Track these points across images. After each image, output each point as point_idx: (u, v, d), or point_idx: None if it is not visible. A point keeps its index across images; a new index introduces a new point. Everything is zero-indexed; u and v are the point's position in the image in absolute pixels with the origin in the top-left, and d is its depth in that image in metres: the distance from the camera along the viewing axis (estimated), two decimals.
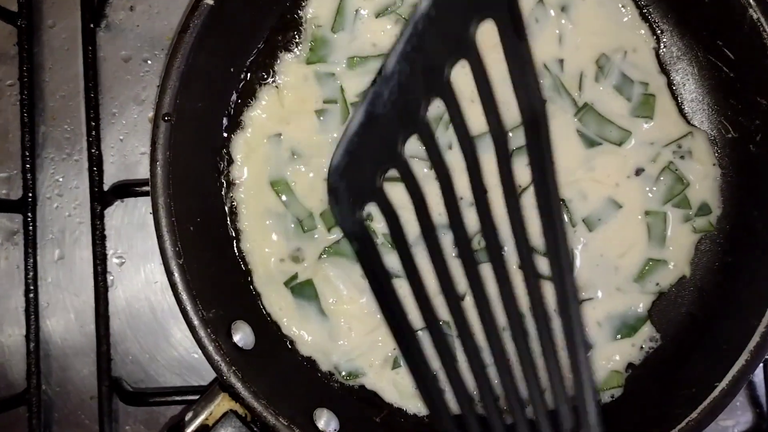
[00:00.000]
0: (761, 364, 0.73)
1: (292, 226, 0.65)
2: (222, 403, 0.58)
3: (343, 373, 0.66)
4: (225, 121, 0.65)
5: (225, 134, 0.65)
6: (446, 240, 0.49)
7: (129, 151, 0.71)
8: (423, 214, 0.52)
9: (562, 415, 0.49)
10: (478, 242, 0.56)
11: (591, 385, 0.48)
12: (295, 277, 0.65)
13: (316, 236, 0.65)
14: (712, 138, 0.67)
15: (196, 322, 0.56)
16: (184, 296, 0.56)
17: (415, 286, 0.50)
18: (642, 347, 0.67)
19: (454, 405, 0.50)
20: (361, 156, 0.55)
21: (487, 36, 0.45)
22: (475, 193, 0.51)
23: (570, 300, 0.49)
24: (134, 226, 0.71)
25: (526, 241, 0.50)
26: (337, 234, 0.65)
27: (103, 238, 0.69)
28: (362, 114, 0.55)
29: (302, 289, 0.65)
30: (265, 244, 0.65)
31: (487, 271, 0.50)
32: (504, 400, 0.51)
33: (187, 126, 0.57)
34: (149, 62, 0.71)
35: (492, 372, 0.50)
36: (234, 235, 0.66)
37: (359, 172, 0.55)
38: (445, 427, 0.50)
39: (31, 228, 0.69)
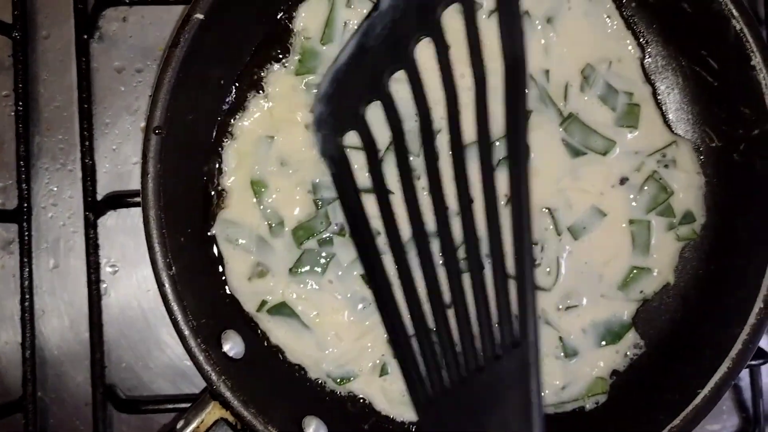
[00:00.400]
0: (747, 370, 0.74)
1: (254, 240, 0.65)
2: (213, 412, 0.59)
3: (334, 379, 0.67)
4: (215, 132, 0.66)
5: (216, 145, 0.66)
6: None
7: (122, 161, 0.72)
8: (401, 148, 0.58)
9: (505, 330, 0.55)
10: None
11: (533, 302, 0.54)
12: (264, 303, 0.65)
13: (279, 250, 0.66)
14: (697, 147, 0.68)
15: (186, 332, 0.57)
16: (175, 307, 0.57)
17: (385, 213, 0.58)
18: (626, 354, 0.68)
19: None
20: (349, 85, 0.59)
21: None
22: (451, 128, 0.58)
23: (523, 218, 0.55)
24: (127, 234, 0.72)
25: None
26: (303, 249, 0.66)
27: (97, 247, 0.70)
28: (354, 45, 0.58)
29: (278, 310, 0.66)
30: (235, 263, 0.66)
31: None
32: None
33: (178, 138, 0.58)
34: (142, 72, 0.72)
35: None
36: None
37: (345, 100, 0.60)
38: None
39: (26, 237, 0.70)
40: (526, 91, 0.54)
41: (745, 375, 0.77)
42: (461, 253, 0.59)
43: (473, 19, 0.57)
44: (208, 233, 0.65)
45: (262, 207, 0.65)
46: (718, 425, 0.78)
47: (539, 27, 0.66)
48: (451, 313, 0.59)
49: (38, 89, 0.72)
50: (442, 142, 0.63)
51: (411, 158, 0.61)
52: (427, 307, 0.60)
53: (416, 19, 0.57)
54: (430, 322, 0.60)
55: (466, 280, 0.58)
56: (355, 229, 0.61)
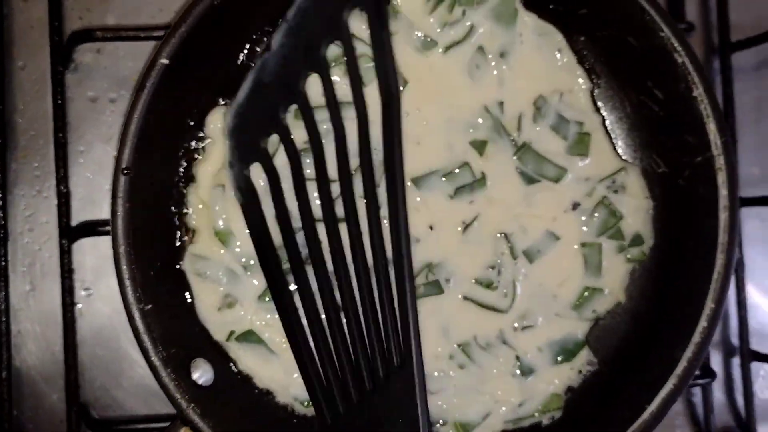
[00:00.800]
0: (699, 387, 0.78)
1: (220, 274, 0.68)
2: None
3: (301, 402, 0.69)
4: (182, 169, 0.68)
5: (182, 183, 0.68)
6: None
7: (96, 188, 0.74)
8: (298, 175, 0.64)
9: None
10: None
11: (414, 321, 0.60)
12: (232, 333, 0.68)
13: (248, 281, 0.68)
14: (645, 173, 0.72)
15: (156, 362, 0.60)
16: (145, 338, 0.60)
17: (287, 236, 0.63)
18: (580, 371, 0.71)
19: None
20: (249, 119, 0.63)
21: None
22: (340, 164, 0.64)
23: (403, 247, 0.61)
24: (101, 258, 0.74)
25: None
26: None
27: (71, 271, 0.72)
28: (250, 81, 0.64)
29: (246, 338, 0.68)
30: (204, 295, 0.68)
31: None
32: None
33: (146, 178, 0.61)
34: (115, 102, 0.75)
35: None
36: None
37: (246, 134, 0.64)
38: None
39: (2, 261, 0.72)
40: (401, 124, 0.62)
41: (698, 392, 0.80)
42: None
43: (353, 57, 0.61)
44: (178, 267, 0.68)
45: (229, 249, 0.68)
46: None
47: (493, 62, 0.69)
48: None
49: (15, 118, 0.74)
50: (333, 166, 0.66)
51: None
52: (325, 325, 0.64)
53: (304, 57, 0.62)
54: (330, 343, 0.64)
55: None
56: (262, 253, 0.64)
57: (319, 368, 0.63)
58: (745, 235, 0.81)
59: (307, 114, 0.61)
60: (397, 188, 0.59)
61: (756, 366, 0.82)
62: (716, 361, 0.82)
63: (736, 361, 0.82)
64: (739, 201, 0.76)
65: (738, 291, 0.80)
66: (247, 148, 0.64)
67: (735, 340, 0.82)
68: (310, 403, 0.68)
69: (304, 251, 0.65)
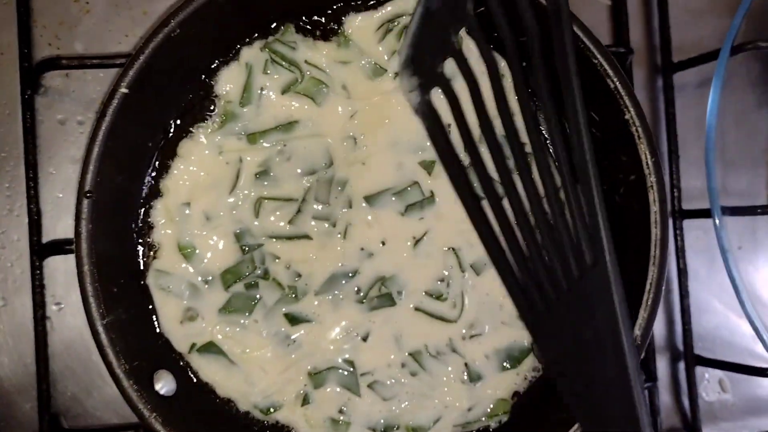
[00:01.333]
0: (647, 391, 0.81)
1: (183, 288, 0.71)
2: None
3: (261, 410, 0.72)
4: (145, 189, 0.72)
5: (145, 202, 0.72)
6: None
7: (66, 207, 0.77)
8: (476, 95, 0.62)
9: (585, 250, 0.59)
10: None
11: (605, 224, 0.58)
12: (193, 345, 0.71)
13: (209, 295, 0.72)
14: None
15: (119, 374, 0.63)
16: (109, 352, 0.63)
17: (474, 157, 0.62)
18: (526, 377, 0.75)
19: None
20: (424, 47, 0.65)
21: None
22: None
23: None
24: (71, 274, 0.75)
25: None
26: (231, 292, 0.72)
27: (42, 286, 0.75)
28: (420, 11, 0.64)
29: (206, 349, 0.71)
30: (167, 308, 0.72)
31: None
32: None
33: (109, 198, 0.64)
34: (83, 124, 0.78)
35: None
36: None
37: (423, 61, 0.65)
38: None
39: None
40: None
41: (646, 394, 0.83)
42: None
43: None
44: (141, 282, 0.71)
45: (192, 264, 0.71)
46: None
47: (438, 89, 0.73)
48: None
49: None
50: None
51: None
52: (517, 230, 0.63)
53: None
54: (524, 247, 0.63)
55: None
56: (453, 173, 0.65)
57: (517, 272, 0.62)
58: (689, 246, 0.85)
59: (478, 37, 0.61)
60: (575, 96, 0.58)
61: (700, 370, 0.86)
62: (662, 366, 0.86)
63: (681, 366, 0.86)
64: (682, 213, 0.82)
65: (681, 298, 0.84)
66: (425, 74, 0.65)
67: (681, 345, 0.85)
68: (273, 410, 0.72)
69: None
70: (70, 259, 0.74)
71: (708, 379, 0.88)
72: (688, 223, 0.85)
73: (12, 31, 0.76)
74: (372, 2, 0.74)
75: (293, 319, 0.72)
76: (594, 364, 0.58)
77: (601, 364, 0.58)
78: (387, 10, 0.73)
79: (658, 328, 0.86)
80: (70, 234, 0.74)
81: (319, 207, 0.72)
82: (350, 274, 0.72)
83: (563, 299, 0.60)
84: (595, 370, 0.58)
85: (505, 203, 0.62)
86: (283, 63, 0.71)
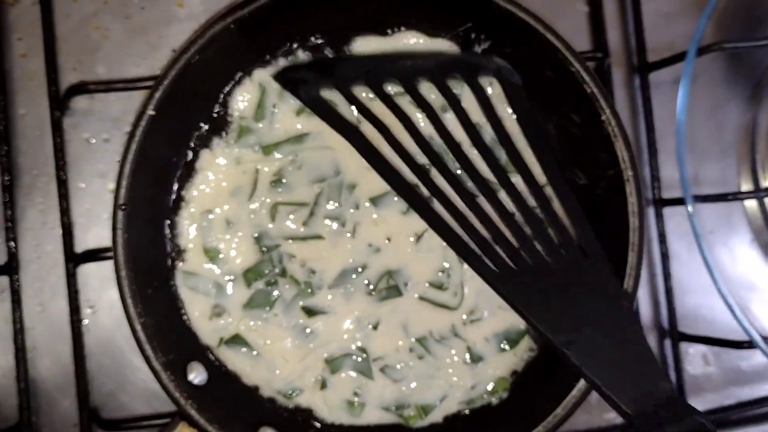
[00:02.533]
0: None
1: (210, 287, 0.77)
2: (182, 430, 0.70)
3: (283, 394, 0.79)
4: (172, 199, 0.78)
5: (173, 210, 0.78)
6: None
7: (95, 217, 0.83)
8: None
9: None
10: None
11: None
12: (221, 339, 0.78)
13: (233, 292, 0.78)
14: (568, 184, 0.82)
15: (157, 367, 0.69)
16: (147, 348, 0.69)
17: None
18: (522, 357, 0.81)
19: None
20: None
21: None
22: None
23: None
24: (103, 279, 0.82)
25: None
26: (253, 289, 0.79)
27: (77, 292, 0.81)
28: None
29: (233, 342, 0.78)
30: (195, 306, 0.78)
31: None
32: None
33: (141, 209, 0.70)
34: (109, 142, 0.84)
35: None
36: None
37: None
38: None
39: (16, 286, 0.80)
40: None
41: None
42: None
43: None
44: (172, 284, 0.78)
45: (217, 264, 0.78)
46: (614, 414, 0.90)
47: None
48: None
49: (19, 160, 0.83)
50: None
51: None
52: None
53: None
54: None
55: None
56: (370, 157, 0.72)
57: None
58: (670, 231, 0.91)
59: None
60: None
61: (685, 346, 0.93)
62: (650, 343, 0.90)
63: (668, 343, 0.92)
64: (662, 202, 0.88)
65: (665, 280, 0.90)
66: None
67: (666, 324, 0.92)
68: (295, 395, 0.79)
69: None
70: (102, 265, 0.82)
71: (692, 354, 0.94)
72: (668, 210, 0.90)
73: (39, 59, 0.82)
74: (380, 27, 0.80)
75: (310, 312, 0.78)
76: (603, 329, 0.64)
77: (613, 328, 0.64)
78: (393, 40, 0.80)
79: (644, 308, 0.92)
80: (100, 242, 0.82)
81: (332, 206, 0.78)
82: (359, 269, 0.79)
83: (556, 269, 0.68)
84: (606, 334, 0.64)
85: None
86: None
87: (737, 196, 0.84)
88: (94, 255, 0.80)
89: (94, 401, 0.83)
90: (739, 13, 0.90)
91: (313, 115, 0.78)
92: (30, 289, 0.83)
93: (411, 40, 0.80)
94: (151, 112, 0.69)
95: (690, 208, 0.78)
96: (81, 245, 0.83)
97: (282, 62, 0.80)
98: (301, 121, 0.79)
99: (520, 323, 0.81)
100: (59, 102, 0.81)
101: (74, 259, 0.81)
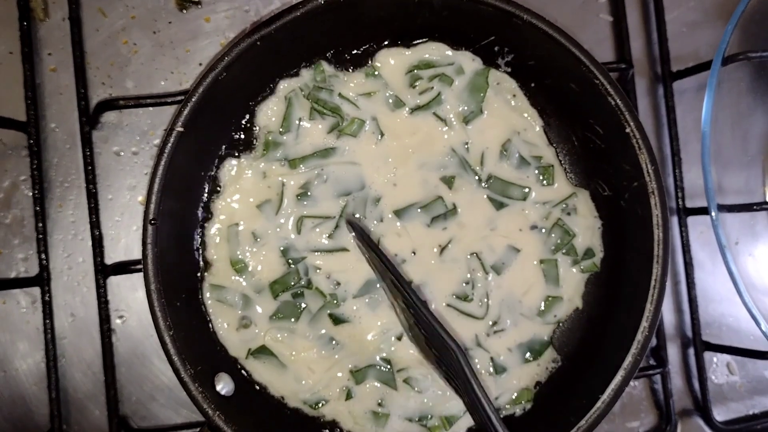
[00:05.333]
0: (659, 375, 0.88)
1: (237, 299, 0.78)
2: None
3: (310, 405, 0.80)
4: (200, 213, 0.79)
5: (201, 224, 0.79)
6: None
7: (124, 229, 0.85)
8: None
9: None
10: None
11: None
12: (249, 350, 0.79)
13: (260, 304, 0.79)
14: (593, 196, 0.82)
15: (186, 378, 0.71)
16: (176, 359, 0.70)
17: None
18: (546, 368, 0.82)
19: None
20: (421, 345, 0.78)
21: None
22: None
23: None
24: (132, 290, 0.84)
25: None
26: (279, 301, 0.80)
27: (107, 302, 0.82)
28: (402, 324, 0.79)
29: (259, 354, 0.79)
30: (223, 318, 0.79)
31: None
32: None
33: (170, 223, 0.72)
34: (137, 155, 0.85)
35: None
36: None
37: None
38: None
39: (47, 297, 0.82)
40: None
41: (659, 380, 0.90)
42: None
43: None
44: (200, 296, 0.79)
45: (244, 277, 0.79)
46: (637, 422, 0.91)
47: (454, 121, 0.81)
48: None
49: (50, 173, 0.84)
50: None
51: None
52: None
53: None
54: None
55: None
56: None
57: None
58: (694, 240, 0.91)
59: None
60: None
61: (709, 355, 0.93)
62: (673, 352, 0.92)
63: (691, 352, 0.92)
64: (686, 211, 0.88)
65: (689, 289, 0.91)
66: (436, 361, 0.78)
67: (690, 332, 0.92)
68: (321, 405, 0.79)
69: None
70: (132, 276, 0.83)
71: (716, 363, 0.94)
72: (692, 219, 0.91)
73: (69, 73, 0.84)
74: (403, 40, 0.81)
75: (336, 320, 0.79)
76: None
77: None
78: (417, 52, 0.81)
79: (668, 317, 0.92)
80: (130, 254, 0.84)
81: (357, 219, 0.79)
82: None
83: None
84: None
85: None
86: (325, 111, 0.79)
87: (763, 206, 0.84)
88: (124, 267, 0.81)
89: (124, 410, 0.84)
90: (765, 22, 0.89)
91: (343, 133, 0.80)
92: (61, 299, 0.85)
93: (434, 51, 0.81)
94: (179, 128, 0.70)
95: (715, 218, 0.77)
96: (111, 257, 0.84)
97: (305, 73, 0.80)
98: (330, 138, 0.80)
99: (544, 334, 0.82)
100: (89, 116, 0.83)
101: (104, 271, 0.82)
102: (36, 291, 0.83)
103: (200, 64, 0.86)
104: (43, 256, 0.83)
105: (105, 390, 0.82)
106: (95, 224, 0.83)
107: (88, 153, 0.83)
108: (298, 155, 0.80)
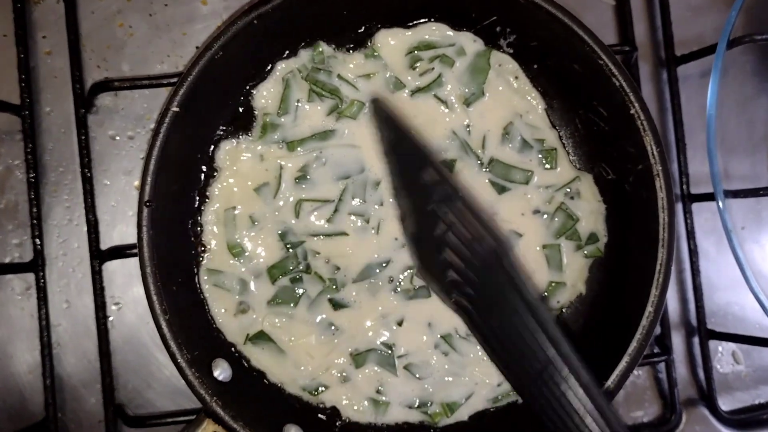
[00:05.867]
0: (663, 363, 0.87)
1: (234, 283, 0.77)
2: (207, 427, 0.70)
3: (309, 391, 0.78)
4: (197, 196, 0.78)
5: (198, 207, 0.78)
6: None
7: (120, 214, 0.84)
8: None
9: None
10: None
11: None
12: (247, 336, 0.77)
13: (258, 289, 0.78)
14: (596, 180, 0.81)
15: (182, 364, 0.69)
16: (172, 344, 0.69)
17: None
18: None
19: None
20: (425, 260, 0.70)
21: None
22: None
23: None
24: (128, 276, 0.83)
25: None
26: (278, 286, 0.78)
27: (102, 288, 0.81)
28: (405, 233, 0.72)
29: (257, 339, 0.78)
30: (220, 303, 0.78)
31: None
32: None
33: (166, 206, 0.70)
34: (133, 139, 0.84)
35: None
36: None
37: (433, 274, 0.69)
38: None
39: (41, 283, 0.81)
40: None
41: (663, 368, 0.89)
42: None
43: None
44: (196, 280, 0.77)
45: (241, 261, 0.78)
46: (641, 412, 0.90)
47: (456, 105, 0.80)
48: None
49: (45, 157, 0.83)
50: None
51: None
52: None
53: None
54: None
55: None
56: None
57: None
58: (699, 227, 0.90)
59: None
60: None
61: (714, 343, 0.91)
62: (678, 341, 0.91)
63: (696, 340, 0.91)
64: (691, 197, 0.87)
65: (693, 277, 0.89)
66: (439, 284, 0.69)
67: (695, 321, 0.90)
68: (320, 392, 0.78)
69: None
70: (127, 262, 0.82)
71: (722, 351, 0.93)
72: (697, 206, 0.89)
73: (64, 56, 0.83)
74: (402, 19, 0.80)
75: (336, 305, 0.78)
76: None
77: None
78: (418, 32, 0.79)
79: (672, 305, 0.91)
80: (125, 239, 0.83)
81: (357, 203, 0.78)
82: (384, 264, 0.78)
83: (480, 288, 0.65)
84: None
85: None
86: (324, 92, 0.78)
87: None
88: (120, 252, 0.80)
89: (120, 398, 0.83)
90: None
91: (342, 115, 0.79)
92: (56, 285, 0.84)
93: (435, 32, 0.79)
94: (175, 109, 0.69)
95: (721, 204, 0.76)
96: (106, 242, 0.83)
97: (303, 54, 0.79)
98: (329, 120, 0.79)
99: None
100: (84, 99, 0.82)
101: (100, 256, 0.81)
102: (30, 277, 0.82)
103: (197, 47, 0.85)
104: (38, 241, 0.82)
105: (101, 378, 0.81)
106: (90, 209, 0.82)
107: (83, 137, 0.82)
108: (296, 137, 0.78)
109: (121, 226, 0.84)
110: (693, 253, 0.89)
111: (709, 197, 0.85)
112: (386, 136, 0.70)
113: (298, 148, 0.78)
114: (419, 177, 0.66)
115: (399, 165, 0.70)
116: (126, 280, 0.84)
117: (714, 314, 0.91)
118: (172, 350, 0.69)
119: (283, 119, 0.78)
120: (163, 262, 0.70)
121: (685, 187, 0.89)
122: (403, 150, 0.69)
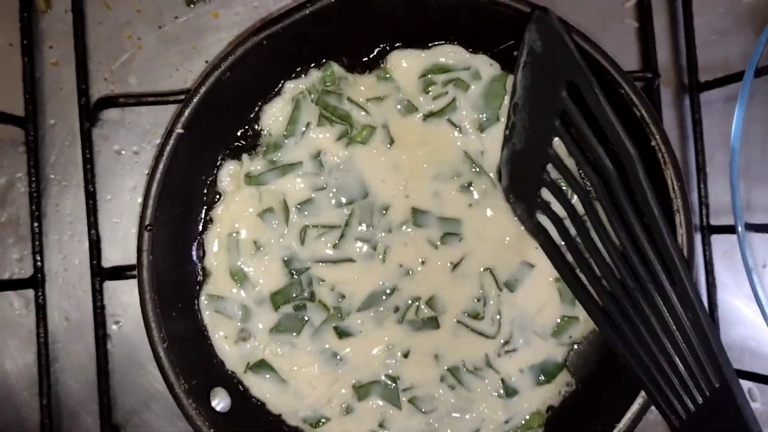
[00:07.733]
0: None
1: (236, 310, 0.75)
2: None
3: (310, 423, 0.76)
4: (200, 219, 0.76)
5: (200, 231, 0.76)
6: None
7: (123, 231, 0.82)
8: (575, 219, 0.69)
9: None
10: None
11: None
12: (248, 365, 0.75)
13: (260, 316, 0.76)
14: None
15: (180, 394, 0.68)
16: (170, 373, 0.68)
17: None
18: (560, 391, 0.78)
19: None
20: (519, 177, 0.72)
21: None
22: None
23: None
24: (129, 295, 0.81)
25: None
26: (281, 313, 0.76)
27: (102, 306, 0.79)
28: (506, 149, 0.72)
29: (258, 368, 0.76)
30: (221, 330, 0.76)
31: None
32: None
33: (167, 230, 0.69)
34: (138, 154, 0.82)
35: None
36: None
37: (522, 190, 0.73)
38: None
39: (41, 300, 0.79)
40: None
41: None
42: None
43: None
44: (197, 306, 0.76)
45: (244, 287, 0.76)
46: None
47: (470, 130, 0.77)
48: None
49: (48, 171, 0.82)
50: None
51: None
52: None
53: (542, 122, 0.69)
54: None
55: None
56: (574, 287, 0.72)
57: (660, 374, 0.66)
58: (718, 259, 0.87)
59: (564, 171, 0.69)
60: (664, 234, 0.63)
61: None
62: None
63: None
64: (710, 228, 0.84)
65: (711, 311, 0.87)
66: (526, 201, 0.71)
67: None
68: (321, 424, 0.76)
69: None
70: (128, 281, 0.80)
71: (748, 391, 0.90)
72: (716, 238, 0.87)
73: (70, 68, 0.81)
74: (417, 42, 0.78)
75: (341, 333, 0.76)
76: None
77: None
78: (432, 54, 0.77)
79: None
80: (127, 258, 0.81)
81: (363, 228, 0.75)
82: (389, 291, 0.76)
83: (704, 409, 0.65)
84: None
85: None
86: (334, 118, 0.76)
87: None
88: (121, 273, 0.79)
89: (117, 418, 0.81)
90: None
91: (353, 141, 0.77)
92: (55, 302, 0.82)
93: (450, 54, 0.77)
94: (179, 130, 0.67)
95: (742, 238, 0.73)
96: (108, 259, 0.81)
97: (314, 74, 0.77)
98: (339, 146, 0.77)
99: (558, 355, 0.78)
100: (89, 113, 0.80)
101: (100, 275, 0.80)
102: (30, 293, 0.81)
103: (206, 61, 0.83)
104: (38, 257, 0.80)
105: (98, 397, 0.79)
106: (93, 225, 0.80)
107: (88, 151, 0.80)
108: (297, 160, 0.76)
109: (123, 243, 0.82)
110: (711, 285, 0.86)
111: (730, 229, 0.83)
112: (539, 47, 0.67)
113: (299, 171, 0.76)
114: (557, 99, 0.65)
115: (539, 80, 0.68)
116: (127, 298, 0.82)
117: (730, 349, 0.89)
118: (169, 380, 0.68)
119: (287, 141, 0.76)
120: (162, 288, 0.68)
121: (704, 217, 0.86)
122: (552, 67, 0.67)
